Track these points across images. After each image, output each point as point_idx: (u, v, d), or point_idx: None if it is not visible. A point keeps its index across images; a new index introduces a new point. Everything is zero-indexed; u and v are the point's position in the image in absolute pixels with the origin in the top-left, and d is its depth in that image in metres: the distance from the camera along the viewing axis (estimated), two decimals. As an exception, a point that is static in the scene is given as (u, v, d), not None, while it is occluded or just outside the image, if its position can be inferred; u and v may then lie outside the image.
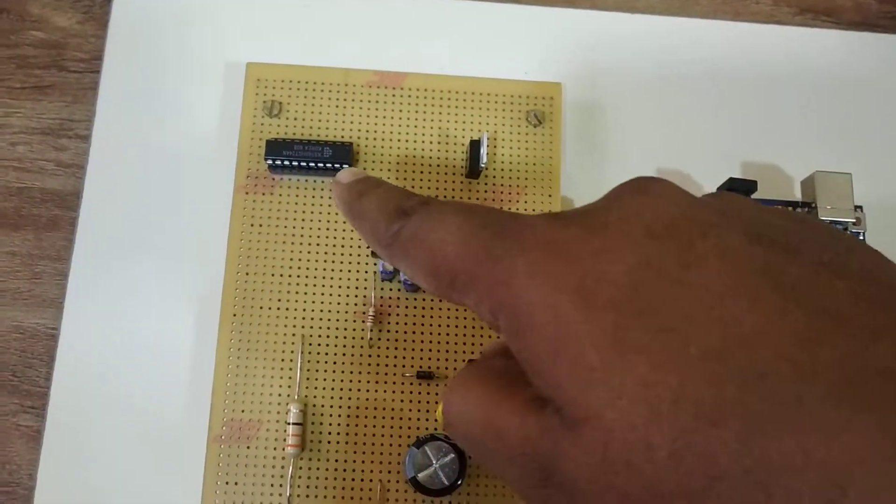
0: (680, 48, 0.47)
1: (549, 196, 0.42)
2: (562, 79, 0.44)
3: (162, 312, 0.41)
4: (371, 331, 0.39)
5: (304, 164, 0.40)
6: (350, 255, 0.40)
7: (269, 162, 0.40)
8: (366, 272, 0.40)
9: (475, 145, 0.40)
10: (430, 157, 0.42)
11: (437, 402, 0.39)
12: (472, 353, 0.39)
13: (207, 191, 0.42)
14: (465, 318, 0.40)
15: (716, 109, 0.46)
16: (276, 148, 0.40)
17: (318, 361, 0.39)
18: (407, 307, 0.40)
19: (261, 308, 0.39)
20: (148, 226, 0.42)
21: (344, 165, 0.40)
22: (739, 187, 0.41)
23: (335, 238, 0.40)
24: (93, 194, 0.43)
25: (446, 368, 0.39)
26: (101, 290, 0.41)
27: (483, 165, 0.39)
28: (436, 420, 0.39)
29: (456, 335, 0.40)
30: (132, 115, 0.44)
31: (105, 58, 0.45)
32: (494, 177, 0.42)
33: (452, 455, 0.35)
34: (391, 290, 0.40)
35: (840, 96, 0.47)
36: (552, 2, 0.47)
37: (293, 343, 0.39)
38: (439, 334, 0.40)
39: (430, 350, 0.39)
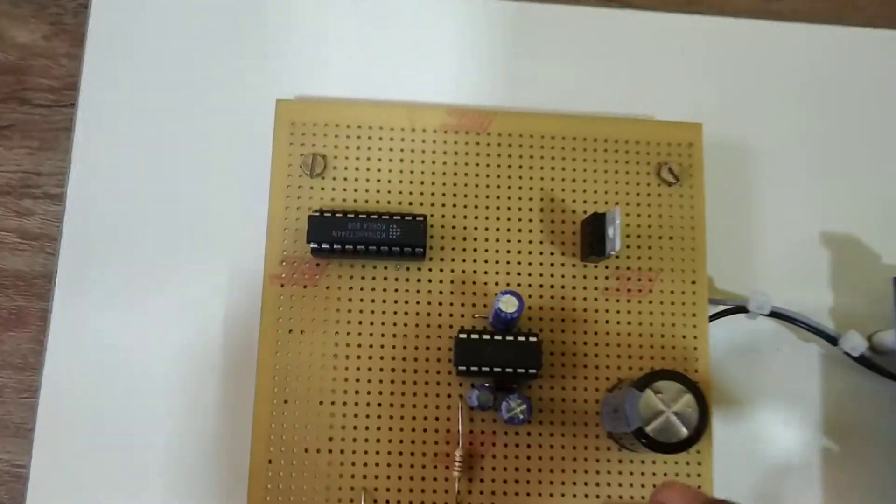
0: (843, 62, 0.35)
1: (693, 283, 0.31)
2: (694, 113, 0.33)
3: (167, 457, 0.30)
4: (459, 481, 0.28)
5: (361, 247, 0.29)
6: (426, 370, 0.29)
7: (314, 246, 0.29)
8: (448, 396, 0.29)
9: (596, 222, 0.29)
10: (531, 230, 0.31)
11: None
12: (596, 507, 0.29)
13: (226, 283, 0.31)
14: (585, 461, 0.29)
15: None
16: (322, 227, 0.29)
17: (386, 526, 0.28)
18: (507, 446, 0.29)
19: (305, 451, 0.28)
20: (144, 327, 0.31)
21: (417, 250, 0.29)
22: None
23: (405, 347, 0.29)
24: (69, 278, 0.31)
25: (562, 531, 0.28)
26: (79, 420, 0.30)
27: (614, 253, 0.28)
28: None
29: (574, 484, 0.29)
30: (119, 167, 0.32)
31: (81, 86, 0.33)
32: (617, 257, 0.31)
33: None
34: (483, 420, 0.29)
35: None
36: (672, 4, 0.36)
37: (352, 501, 0.28)
38: (551, 483, 0.29)
39: (540, 505, 0.29)
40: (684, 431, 0.25)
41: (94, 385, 0.31)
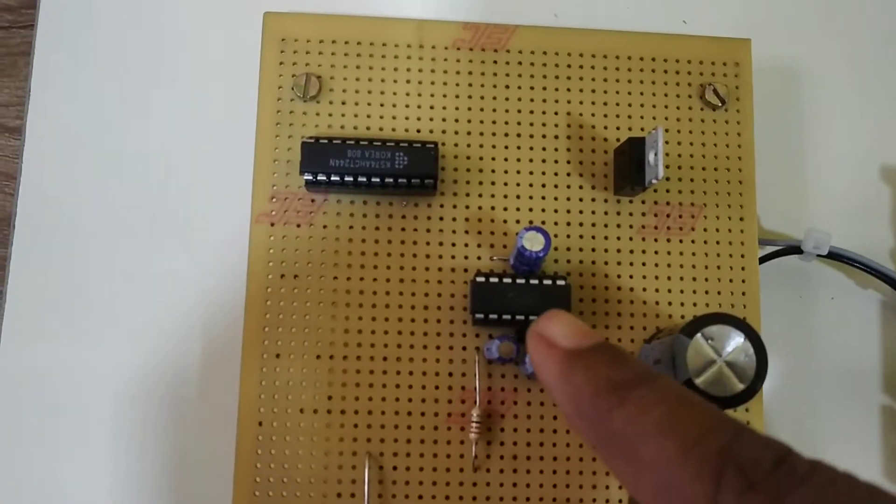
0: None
1: (741, 220, 0.27)
2: (742, 29, 0.29)
3: (152, 431, 0.26)
4: (476, 444, 0.25)
5: (363, 178, 0.25)
6: (438, 320, 0.26)
7: (308, 177, 0.25)
8: (463, 348, 0.25)
9: (634, 148, 0.25)
10: (556, 160, 0.27)
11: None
12: (633, 473, 0.25)
13: (208, 221, 0.27)
14: (621, 422, 0.25)
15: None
16: (317, 155, 0.25)
17: (394, 496, 0.25)
18: (531, 404, 0.25)
19: (301, 412, 0.25)
20: (112, 275, 0.27)
21: (427, 182, 0.25)
22: None
23: (413, 294, 0.26)
24: (29, 219, 0.28)
25: (593, 501, 0.25)
26: (40, 370, 0.27)
27: (657, 181, 0.24)
28: (582, 585, 0.24)
29: (607, 447, 0.25)
30: (86, 95, 0.28)
31: (41, 4, 0.29)
32: (656, 190, 0.27)
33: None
34: (503, 376, 0.26)
35: None
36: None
37: (354, 467, 0.25)
38: (581, 446, 0.25)
39: (569, 473, 0.25)
40: (739, 384, 0.22)
41: (53, 328, 0.27)
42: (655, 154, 0.24)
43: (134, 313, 0.27)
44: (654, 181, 0.24)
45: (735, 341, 0.22)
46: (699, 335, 0.22)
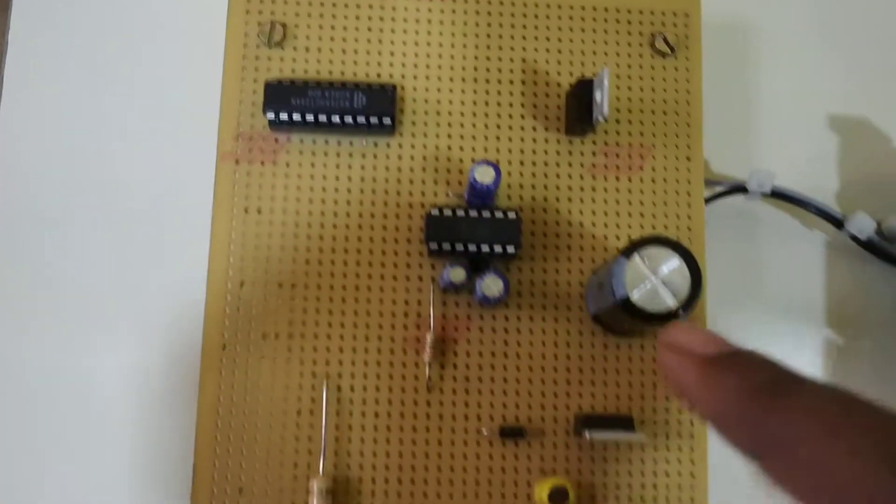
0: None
1: (688, 159, 0.28)
2: (692, -17, 0.30)
3: (109, 347, 0.28)
4: (430, 366, 0.26)
5: (323, 118, 0.26)
6: (395, 252, 0.27)
7: (271, 116, 0.26)
8: (419, 278, 0.27)
9: (585, 88, 0.26)
10: (510, 104, 0.28)
11: (528, 470, 0.26)
12: (580, 395, 0.26)
13: (176, 159, 0.29)
14: (567, 346, 0.27)
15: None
16: (280, 95, 0.26)
17: (351, 414, 0.26)
18: (482, 330, 0.27)
19: (263, 338, 0.26)
20: (88, 214, 0.29)
21: (385, 120, 0.26)
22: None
23: (372, 228, 0.27)
24: (4, 165, 0.29)
25: (542, 420, 0.26)
26: (19, 309, 0.28)
27: (602, 119, 0.25)
28: (530, 497, 0.26)
29: (555, 370, 0.27)
30: (61, 39, 0.30)
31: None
32: (607, 132, 0.28)
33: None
34: (457, 304, 0.27)
35: None
36: None
37: (313, 388, 0.26)
38: (530, 369, 0.27)
39: (518, 394, 0.26)
40: (674, 301, 0.23)
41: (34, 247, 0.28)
42: (602, 93, 0.25)
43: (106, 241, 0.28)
44: (599, 119, 0.26)
45: (671, 262, 0.23)
46: (637, 255, 0.23)
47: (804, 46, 0.32)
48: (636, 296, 0.23)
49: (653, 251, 0.23)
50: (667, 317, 0.23)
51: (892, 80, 0.32)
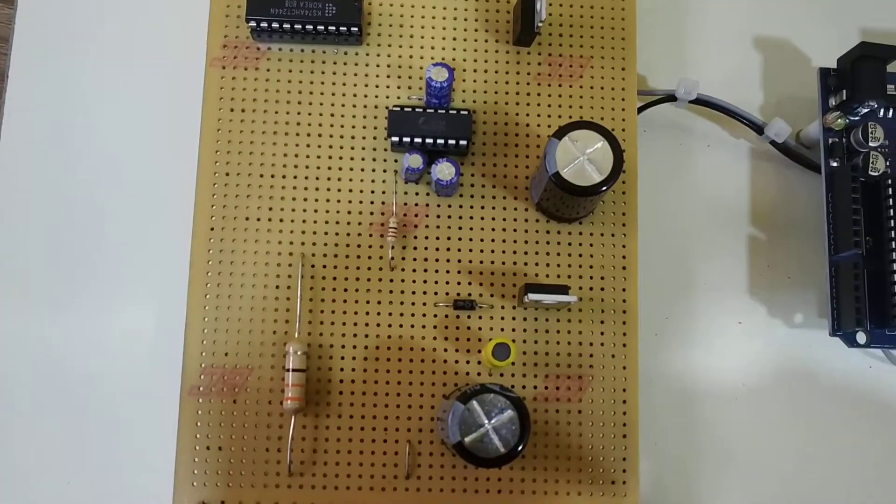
0: None
1: (623, 70, 0.32)
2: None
3: (110, 225, 0.31)
4: (393, 248, 0.30)
5: (298, 26, 0.30)
6: (362, 147, 0.30)
7: (253, 24, 0.30)
8: (384, 170, 0.30)
9: (527, 1, 0.30)
10: (465, 18, 0.32)
11: (479, 340, 0.30)
12: (525, 275, 0.30)
13: (171, 65, 0.32)
14: (514, 231, 0.30)
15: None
16: (260, 5, 0.30)
17: (323, 289, 0.30)
18: (439, 217, 0.30)
19: (247, 220, 0.30)
20: (95, 115, 0.32)
21: (353, 29, 0.30)
22: (873, 55, 0.31)
23: (342, 126, 0.31)
24: (21, 74, 0.32)
25: (491, 296, 0.30)
26: (32, 198, 0.31)
27: (540, 24, 0.29)
28: (480, 363, 0.29)
29: (503, 253, 0.30)
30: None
31: None
32: (550, 44, 0.32)
33: (510, 411, 0.25)
34: (417, 194, 0.30)
35: None
36: None
37: (290, 266, 0.30)
38: (482, 252, 0.30)
39: (470, 273, 0.30)
40: (598, 176, 0.26)
41: (49, 169, 0.32)
42: (540, 2, 0.29)
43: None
44: (539, 24, 0.29)
45: (596, 143, 0.27)
46: (567, 137, 0.27)
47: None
48: (566, 171, 0.26)
49: (580, 134, 0.27)
50: (593, 189, 0.27)
51: (812, 6, 0.35)
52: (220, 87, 0.30)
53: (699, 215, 0.33)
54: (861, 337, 0.31)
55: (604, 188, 0.27)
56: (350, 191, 0.30)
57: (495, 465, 0.25)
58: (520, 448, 0.25)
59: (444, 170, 0.29)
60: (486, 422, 0.25)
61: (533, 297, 0.28)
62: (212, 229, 0.30)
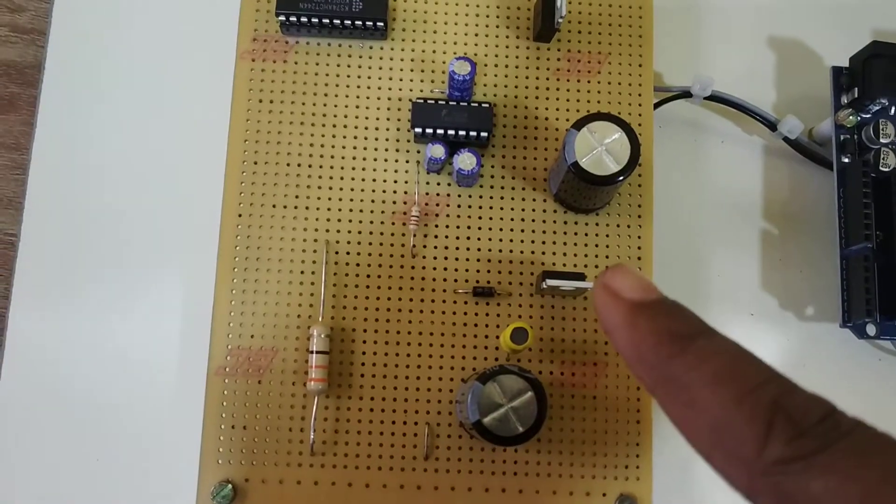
0: None
1: (640, 66, 0.33)
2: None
3: (143, 212, 0.32)
4: (415, 236, 0.31)
5: (326, 21, 0.31)
6: (386, 139, 0.31)
7: (282, 19, 0.31)
8: (407, 161, 0.31)
9: (548, -3, 0.31)
10: (488, 15, 0.33)
11: (497, 326, 0.30)
12: (543, 264, 0.31)
13: (202, 58, 0.33)
14: (533, 222, 0.31)
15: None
16: (290, 0, 0.31)
17: (346, 275, 0.30)
18: (460, 206, 0.31)
19: (273, 207, 0.31)
20: (127, 102, 0.33)
21: (378, 24, 0.31)
22: (885, 54, 0.32)
23: (367, 118, 0.31)
24: (57, 65, 0.33)
25: (510, 283, 0.31)
26: (67, 186, 0.32)
27: (560, 21, 0.30)
28: (498, 349, 0.30)
29: (522, 242, 0.31)
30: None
31: None
32: (570, 40, 0.33)
33: (529, 393, 0.26)
34: (439, 184, 0.31)
35: None
36: None
37: (315, 252, 0.30)
38: (500, 241, 0.31)
39: (489, 261, 0.31)
40: (616, 167, 0.27)
41: (81, 159, 0.33)
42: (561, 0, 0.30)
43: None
44: (559, 21, 0.30)
45: (613, 134, 0.28)
46: (585, 128, 0.28)
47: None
48: (584, 161, 0.27)
49: (598, 125, 0.28)
50: (610, 179, 0.27)
51: (825, 6, 0.36)
52: (250, 80, 0.32)
53: (713, 209, 0.34)
54: (871, 328, 0.31)
55: (621, 178, 0.27)
56: (374, 180, 0.31)
57: (513, 444, 0.26)
58: (538, 428, 0.26)
59: (465, 160, 0.30)
60: (505, 401, 0.26)
61: (551, 282, 0.29)
62: (239, 216, 0.31)
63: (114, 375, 0.31)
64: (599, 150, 0.27)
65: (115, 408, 0.31)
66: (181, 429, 0.31)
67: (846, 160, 0.33)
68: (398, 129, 0.32)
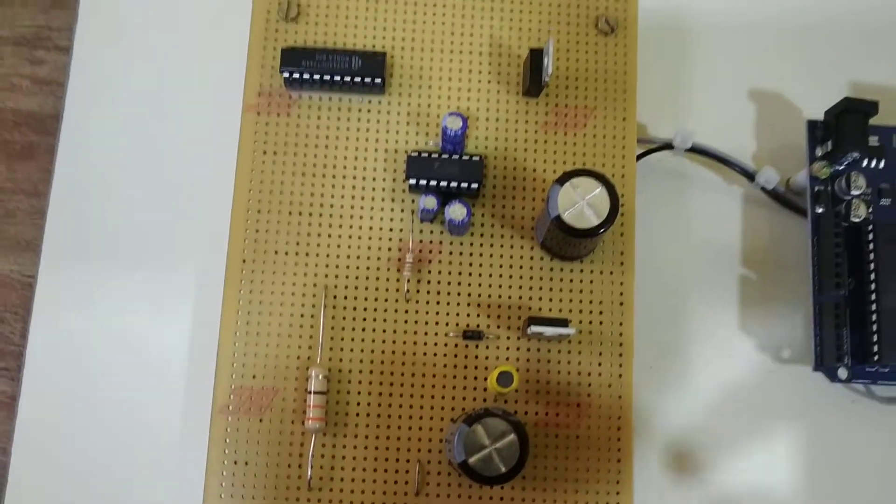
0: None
1: (623, 119, 0.34)
2: (636, -22, 0.36)
3: (153, 257, 0.34)
4: (408, 281, 0.33)
5: (327, 77, 0.33)
6: (383, 189, 0.33)
7: (286, 75, 0.33)
8: (402, 210, 0.33)
9: (536, 56, 0.33)
10: (480, 71, 0.34)
11: (486, 368, 0.32)
12: (529, 308, 0.33)
13: (211, 111, 0.35)
14: (520, 268, 0.33)
15: (819, 20, 0.38)
16: (293, 58, 0.33)
17: (344, 318, 0.32)
18: (451, 253, 0.33)
19: (276, 253, 0.33)
20: (140, 153, 0.35)
21: (377, 80, 0.33)
22: (856, 109, 0.34)
23: (364, 168, 0.33)
24: (74, 116, 0.36)
25: (497, 327, 0.32)
26: (84, 231, 0.34)
27: (547, 79, 0.32)
28: (486, 390, 0.32)
29: (510, 287, 0.33)
30: (119, 19, 0.36)
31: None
32: (557, 95, 0.35)
33: (512, 436, 0.28)
34: (432, 232, 0.33)
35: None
36: None
37: (314, 296, 0.32)
38: (490, 286, 0.33)
39: (479, 305, 0.33)
40: (597, 219, 0.29)
41: (97, 204, 0.35)
42: (548, 58, 0.32)
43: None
44: (546, 78, 0.32)
45: (595, 189, 0.29)
46: (568, 183, 0.29)
47: (733, 28, 0.38)
48: (566, 215, 0.29)
49: (580, 180, 0.29)
50: (591, 232, 0.29)
51: (803, 60, 0.38)
52: (255, 132, 0.33)
53: (694, 256, 0.36)
54: (842, 372, 0.33)
55: (602, 230, 0.29)
56: (370, 228, 0.33)
57: (497, 483, 0.28)
58: (520, 468, 0.28)
59: (456, 210, 0.32)
60: (489, 443, 0.28)
61: (535, 329, 0.31)
62: (244, 261, 0.32)
63: (123, 412, 0.33)
64: (581, 204, 0.29)
65: (123, 443, 0.33)
66: (187, 464, 0.32)
67: (820, 210, 0.35)
68: (394, 180, 0.33)
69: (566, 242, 0.31)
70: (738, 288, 0.36)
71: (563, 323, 0.31)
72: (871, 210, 0.34)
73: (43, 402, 0.33)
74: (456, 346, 0.32)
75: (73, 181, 0.35)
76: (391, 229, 0.33)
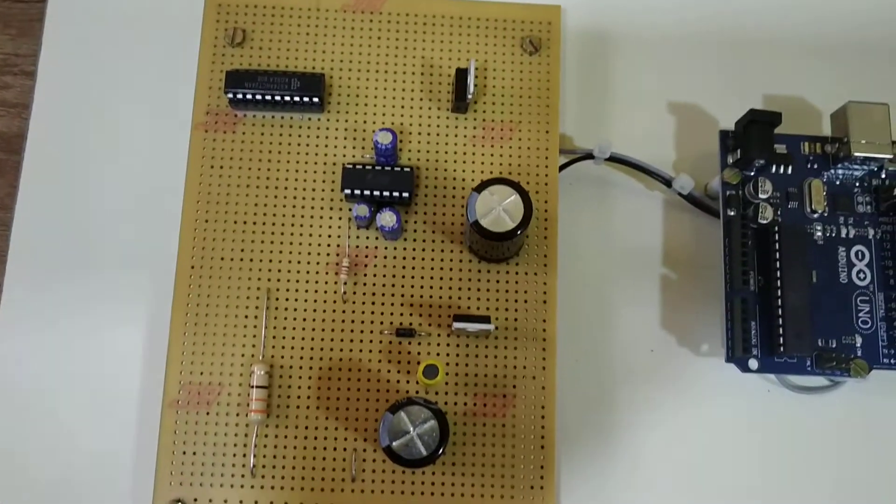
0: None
1: (547, 133, 0.37)
2: (561, 1, 0.39)
3: (111, 263, 0.37)
4: (345, 284, 0.35)
5: (269, 97, 0.35)
6: (321, 199, 0.36)
7: (230, 96, 0.35)
8: (339, 218, 0.36)
9: (461, 74, 0.36)
10: (412, 90, 0.37)
11: (418, 363, 0.34)
12: (459, 308, 0.35)
13: (162, 129, 0.38)
14: (450, 270, 0.35)
15: (734, 37, 0.41)
16: (237, 80, 0.35)
17: (285, 318, 0.35)
18: (385, 258, 0.36)
19: (222, 259, 0.35)
20: (97, 168, 0.38)
21: (315, 99, 0.36)
22: (761, 120, 0.36)
23: (304, 181, 0.36)
24: (38, 136, 0.38)
25: (429, 325, 0.35)
26: (47, 242, 0.37)
27: (470, 96, 0.35)
28: (416, 382, 0.34)
29: (440, 288, 0.35)
30: (80, 47, 0.39)
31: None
32: (485, 111, 0.37)
33: (432, 422, 0.30)
34: (367, 238, 0.36)
35: (876, 18, 0.41)
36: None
37: (258, 298, 0.35)
38: (422, 287, 0.35)
39: (412, 305, 0.35)
40: (511, 223, 0.32)
41: (59, 215, 0.37)
42: (470, 77, 0.35)
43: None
44: (469, 96, 0.35)
45: (510, 196, 0.32)
46: (486, 190, 0.32)
47: (651, 47, 0.41)
48: (484, 220, 0.32)
49: (497, 188, 0.32)
50: (507, 235, 0.32)
51: (719, 75, 0.40)
52: (203, 148, 0.36)
53: (617, 257, 0.38)
54: (753, 363, 0.35)
55: (518, 233, 0.32)
56: (310, 235, 0.36)
57: (419, 466, 0.30)
58: (440, 452, 0.30)
59: (386, 217, 0.34)
60: (411, 429, 0.30)
61: (458, 325, 0.33)
62: (192, 267, 0.35)
63: (80, 407, 0.36)
64: (497, 210, 0.32)
65: (79, 432, 0.35)
66: (139, 453, 0.35)
67: (731, 213, 0.37)
68: (332, 191, 0.36)
69: (488, 245, 0.33)
70: (659, 286, 0.38)
71: (485, 320, 0.34)
72: (778, 213, 0.37)
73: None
74: (390, 342, 0.35)
75: (37, 196, 0.37)
76: (329, 236, 0.36)
